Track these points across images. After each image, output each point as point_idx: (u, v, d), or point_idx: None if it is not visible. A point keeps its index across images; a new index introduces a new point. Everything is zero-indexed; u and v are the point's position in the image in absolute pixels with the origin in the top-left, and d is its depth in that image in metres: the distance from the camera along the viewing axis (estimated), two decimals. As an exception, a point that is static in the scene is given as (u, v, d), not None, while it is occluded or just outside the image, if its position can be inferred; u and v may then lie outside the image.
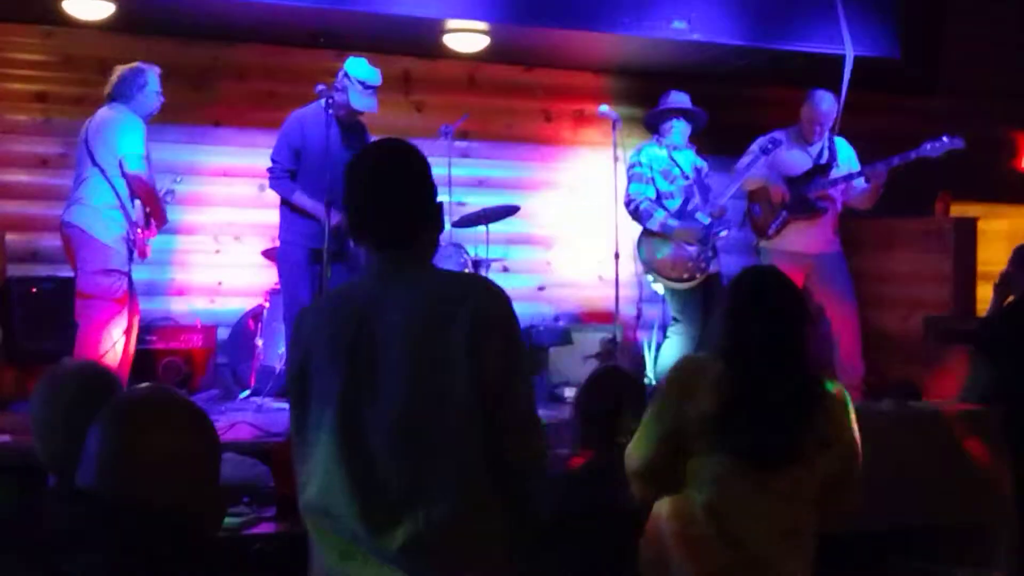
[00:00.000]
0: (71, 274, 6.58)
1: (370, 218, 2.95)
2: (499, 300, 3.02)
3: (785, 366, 3.44)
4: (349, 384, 2.87)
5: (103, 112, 6.27)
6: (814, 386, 3.49)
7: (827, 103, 7.13)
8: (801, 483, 3.43)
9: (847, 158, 7.23)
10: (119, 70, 6.36)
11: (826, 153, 7.19)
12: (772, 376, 3.39)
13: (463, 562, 2.87)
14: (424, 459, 2.86)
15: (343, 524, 2.85)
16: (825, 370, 4.96)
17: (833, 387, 3.63)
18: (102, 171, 6.16)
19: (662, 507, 3.49)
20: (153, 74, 6.35)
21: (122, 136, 6.17)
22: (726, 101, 8.31)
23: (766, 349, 3.43)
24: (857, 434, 3.66)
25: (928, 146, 6.84)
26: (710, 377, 3.34)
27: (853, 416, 3.65)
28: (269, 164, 6.75)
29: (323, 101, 6.43)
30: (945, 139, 6.85)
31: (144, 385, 4.10)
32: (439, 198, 3.12)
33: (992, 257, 8.43)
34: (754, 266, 4.09)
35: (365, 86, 6.43)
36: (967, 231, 8.47)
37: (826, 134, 7.25)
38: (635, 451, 3.50)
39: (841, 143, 7.25)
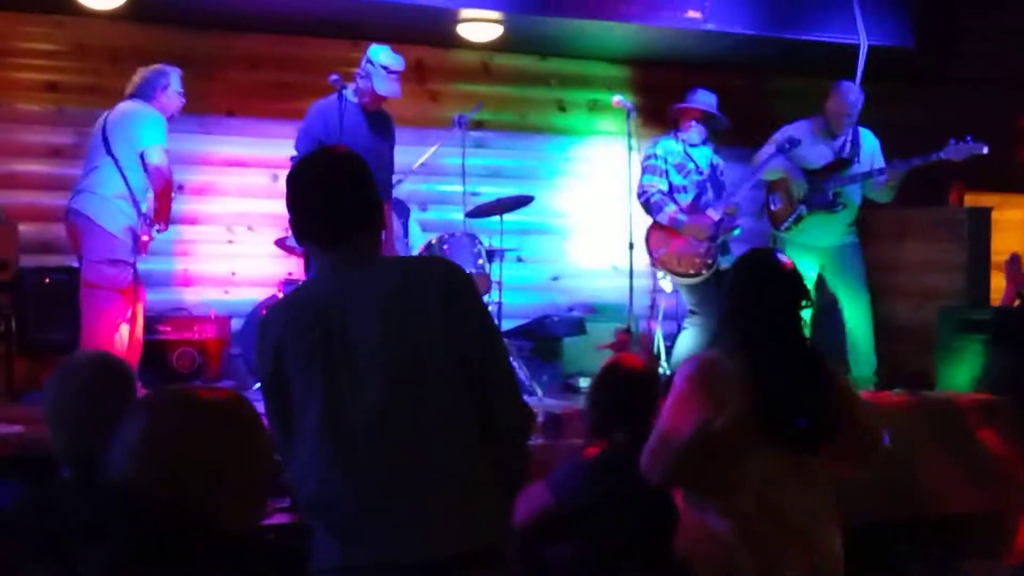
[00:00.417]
0: (76, 264, 6.65)
1: (314, 220, 3.05)
2: (458, 270, 3.18)
3: (794, 349, 3.52)
4: (329, 380, 2.92)
5: (126, 105, 6.30)
6: (824, 363, 3.57)
7: (854, 94, 7.13)
8: (828, 460, 3.55)
9: (871, 151, 7.23)
10: (141, 71, 6.44)
11: (848, 146, 7.22)
12: (788, 362, 3.43)
13: (468, 537, 2.90)
14: (418, 440, 2.91)
15: (346, 514, 2.89)
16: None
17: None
18: (116, 161, 6.16)
19: (706, 508, 3.52)
20: (176, 75, 6.45)
21: (145, 129, 6.23)
22: (741, 91, 8.36)
23: (772, 336, 3.47)
24: (853, 396, 3.77)
25: (951, 147, 6.81)
26: (734, 379, 3.36)
27: (844, 377, 3.85)
28: (285, 154, 6.68)
29: (344, 90, 6.50)
30: (969, 142, 6.81)
31: (186, 385, 4.69)
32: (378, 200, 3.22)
33: (1006, 247, 8.47)
34: (749, 253, 4.20)
35: (388, 71, 6.47)
36: (981, 220, 8.40)
37: (846, 124, 7.23)
38: (659, 459, 3.49)
39: (866, 135, 7.26)
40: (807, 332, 4.61)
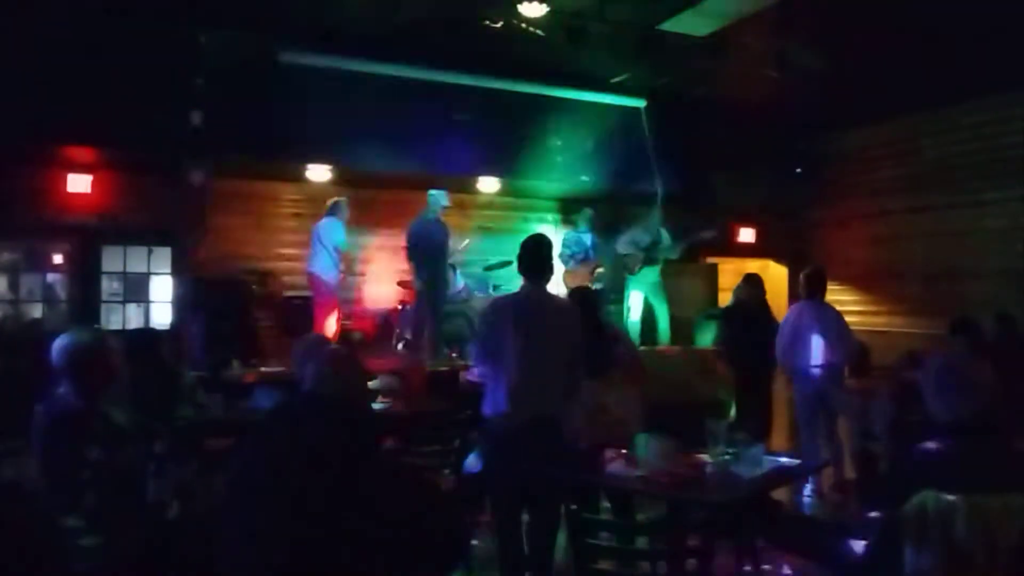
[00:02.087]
0: (310, 294, 9.58)
1: (528, 266, 4.72)
2: (577, 311, 4.74)
3: (594, 326, 5.20)
4: (520, 338, 4.49)
5: (325, 221, 9.32)
6: (609, 335, 5.52)
7: (657, 214, 10.52)
8: (617, 376, 5.27)
9: (666, 238, 10.45)
10: (329, 201, 9.51)
11: (658, 236, 10.45)
12: (591, 335, 5.01)
13: (551, 408, 4.54)
14: (549, 374, 4.54)
15: (520, 395, 4.46)
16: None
17: (624, 337, 5.97)
18: (324, 247, 9.23)
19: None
20: (344, 203, 9.45)
21: (336, 233, 9.26)
22: (610, 211, 11.39)
23: (585, 320, 4.97)
24: (637, 354, 5.84)
25: (702, 233, 10.47)
26: None
27: (634, 346, 6.12)
28: (397, 243, 9.73)
29: (429, 213, 9.43)
30: (706, 230, 10.45)
31: (336, 344, 6.11)
32: (553, 260, 4.85)
33: (725, 284, 12.20)
34: (577, 288, 6.26)
35: (442, 205, 9.62)
36: (713, 270, 12.47)
37: (658, 227, 10.46)
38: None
39: (664, 232, 10.45)
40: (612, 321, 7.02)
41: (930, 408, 3.37)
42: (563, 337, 4.63)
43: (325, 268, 9.39)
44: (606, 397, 5.21)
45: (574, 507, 3.79)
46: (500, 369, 4.57)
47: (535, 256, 4.80)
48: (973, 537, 2.95)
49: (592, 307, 5.56)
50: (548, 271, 4.82)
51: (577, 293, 5.91)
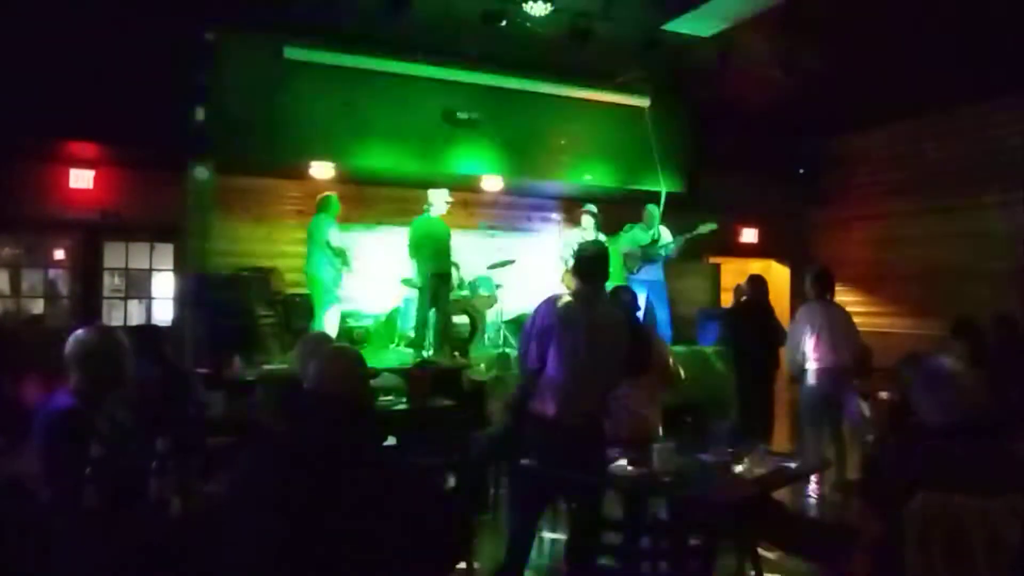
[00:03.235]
0: (307, 292, 9.41)
1: (581, 270, 4.81)
2: (624, 317, 4.80)
3: (638, 330, 5.44)
4: (567, 337, 4.56)
5: (315, 218, 9.26)
6: (646, 336, 5.64)
7: (655, 211, 10.47)
8: (651, 377, 5.40)
9: (665, 235, 10.44)
10: (318, 197, 9.38)
11: (657, 233, 10.47)
12: (635, 333, 5.09)
13: (593, 406, 4.66)
14: (597, 376, 4.62)
15: (565, 393, 4.51)
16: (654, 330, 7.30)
17: (657, 338, 5.91)
18: (316, 244, 9.12)
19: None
20: (335, 197, 9.30)
21: (324, 229, 9.18)
22: (608, 210, 10.93)
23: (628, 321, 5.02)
24: (669, 355, 5.72)
25: (698, 228, 10.16)
26: None
27: (667, 347, 5.87)
28: (398, 240, 9.52)
29: (431, 211, 9.41)
30: (709, 225, 10.16)
31: (338, 342, 6.04)
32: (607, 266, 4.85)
33: (727, 284, 12.38)
34: (617, 287, 6.14)
35: (443, 202, 9.55)
36: (716, 270, 12.59)
37: (656, 225, 10.45)
38: None
39: (664, 229, 10.48)
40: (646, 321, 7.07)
41: (920, 411, 3.36)
42: (611, 340, 4.66)
43: (319, 266, 9.31)
44: (634, 396, 5.29)
45: (574, 505, 3.73)
46: (549, 368, 4.58)
47: (591, 260, 4.83)
48: (975, 538, 2.95)
49: (630, 308, 5.59)
50: (602, 276, 4.85)
51: (616, 294, 5.90)
